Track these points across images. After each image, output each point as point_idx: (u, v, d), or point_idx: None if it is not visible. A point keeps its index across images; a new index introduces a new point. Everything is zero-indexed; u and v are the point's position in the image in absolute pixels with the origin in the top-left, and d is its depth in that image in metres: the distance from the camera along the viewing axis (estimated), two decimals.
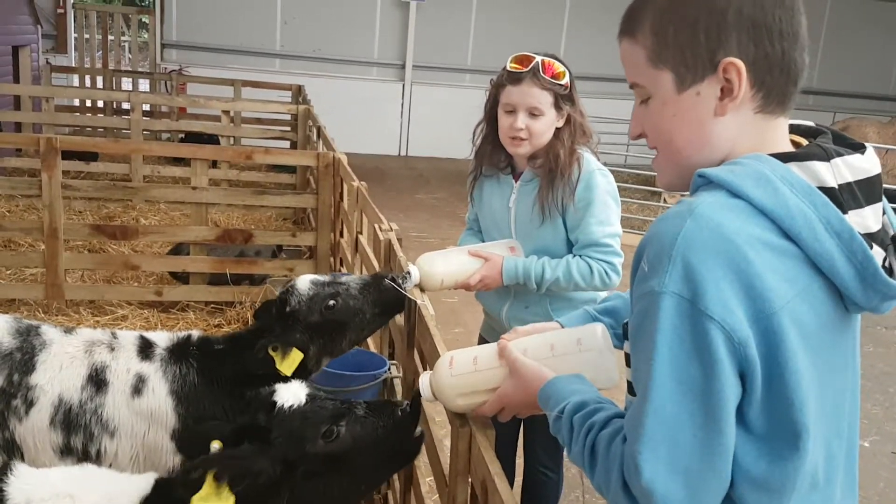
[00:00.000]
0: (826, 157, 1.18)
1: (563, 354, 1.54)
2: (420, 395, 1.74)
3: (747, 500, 1.14)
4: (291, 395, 1.84)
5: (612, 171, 2.74)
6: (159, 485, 1.81)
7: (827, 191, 1.15)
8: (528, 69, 2.51)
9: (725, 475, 1.11)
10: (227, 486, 1.65)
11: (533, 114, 2.54)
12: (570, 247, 2.68)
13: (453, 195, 11.72)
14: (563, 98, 2.56)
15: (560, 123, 2.60)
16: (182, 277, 5.95)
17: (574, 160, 2.58)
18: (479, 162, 2.78)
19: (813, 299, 1.12)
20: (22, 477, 1.77)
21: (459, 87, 15.34)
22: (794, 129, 1.30)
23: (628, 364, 1.28)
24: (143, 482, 1.82)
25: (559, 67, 2.53)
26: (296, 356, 2.49)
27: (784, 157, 1.18)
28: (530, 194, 2.66)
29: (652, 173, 11.60)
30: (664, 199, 10.54)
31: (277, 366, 2.45)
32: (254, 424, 1.80)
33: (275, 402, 1.81)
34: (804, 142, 1.29)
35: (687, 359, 1.08)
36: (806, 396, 1.10)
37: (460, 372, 1.64)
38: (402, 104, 15.68)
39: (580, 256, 2.61)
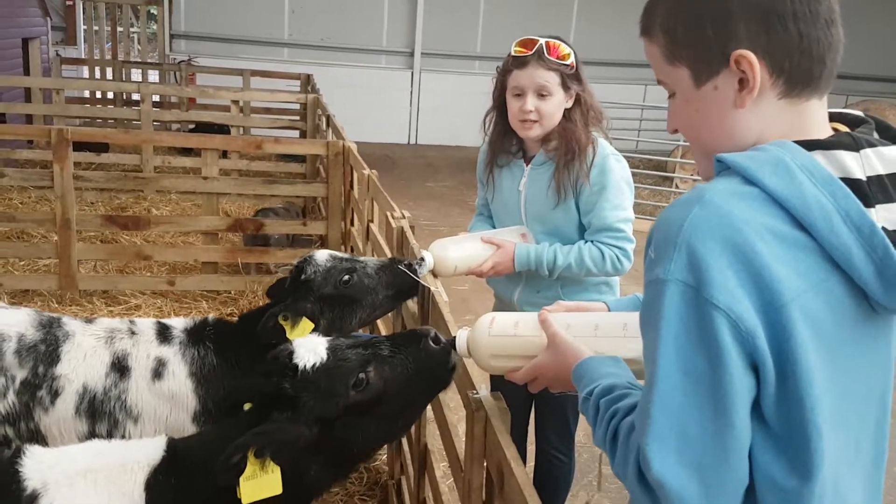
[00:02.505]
0: (855, 146, 1.13)
1: (607, 336, 1.51)
2: (454, 347, 1.73)
3: (768, 501, 1.10)
4: (311, 352, 1.77)
5: (624, 157, 2.73)
6: (170, 449, 1.80)
7: (853, 182, 1.10)
8: (532, 52, 2.53)
9: (741, 472, 1.08)
10: (270, 459, 1.63)
11: (542, 95, 2.55)
12: (581, 231, 2.68)
13: (463, 183, 11.70)
14: (570, 77, 2.57)
15: (569, 104, 2.60)
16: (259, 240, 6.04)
17: (590, 141, 2.59)
18: (492, 150, 2.78)
19: (828, 295, 1.08)
20: (36, 458, 1.77)
21: (469, 74, 15.29)
22: (840, 118, 1.26)
23: None
24: (154, 449, 1.80)
25: (564, 48, 2.55)
26: (306, 325, 2.47)
27: (810, 145, 1.14)
28: (542, 177, 2.66)
29: (663, 158, 11.56)
30: (675, 185, 10.49)
31: (288, 335, 2.43)
32: (279, 393, 1.74)
33: (296, 366, 1.75)
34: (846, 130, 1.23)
35: (693, 349, 1.05)
36: (819, 396, 1.06)
37: (499, 333, 1.62)
38: (412, 92, 15.65)
39: (592, 242, 2.61)
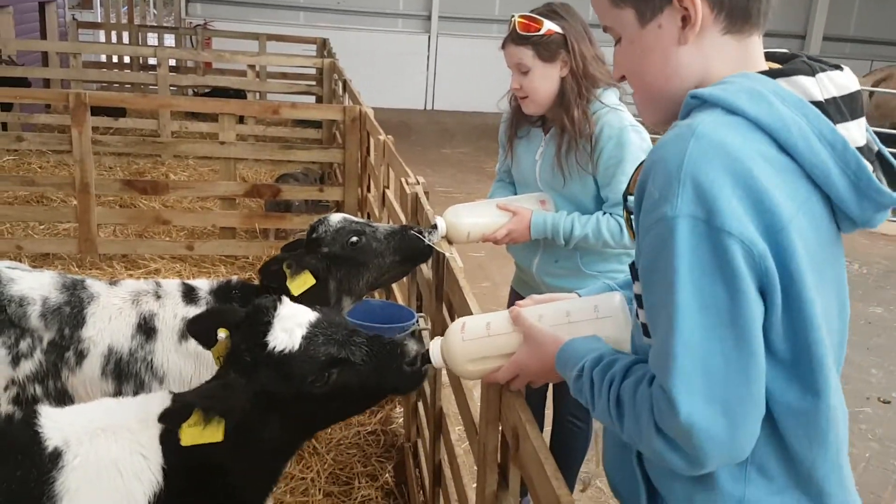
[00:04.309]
0: (811, 72, 1.19)
1: (580, 321, 1.49)
2: (429, 361, 1.70)
3: (789, 427, 1.14)
4: (286, 335, 1.77)
5: (638, 120, 2.69)
6: (175, 402, 1.85)
7: (815, 104, 1.15)
8: (509, 32, 2.58)
9: (761, 400, 1.10)
10: (217, 416, 1.69)
11: (522, 72, 2.58)
12: (599, 202, 2.65)
13: (479, 150, 11.64)
14: (546, 46, 2.53)
15: (563, 72, 2.56)
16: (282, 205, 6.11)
17: (586, 118, 2.55)
18: (514, 119, 2.79)
19: (812, 215, 1.13)
20: (52, 418, 1.82)
21: (487, 38, 15.09)
22: (768, 57, 1.30)
23: (640, 306, 1.26)
24: (161, 404, 1.86)
25: (537, 18, 2.52)
26: (306, 279, 2.52)
27: (772, 74, 1.20)
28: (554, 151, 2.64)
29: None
30: None
31: (287, 282, 2.49)
32: (239, 361, 1.78)
33: (266, 344, 1.75)
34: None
35: (710, 281, 1.06)
36: (819, 314, 1.10)
37: (472, 337, 1.58)
38: (428, 57, 15.51)
39: (610, 214, 2.58)
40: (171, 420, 1.70)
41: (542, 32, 2.51)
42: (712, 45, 1.22)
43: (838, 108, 1.17)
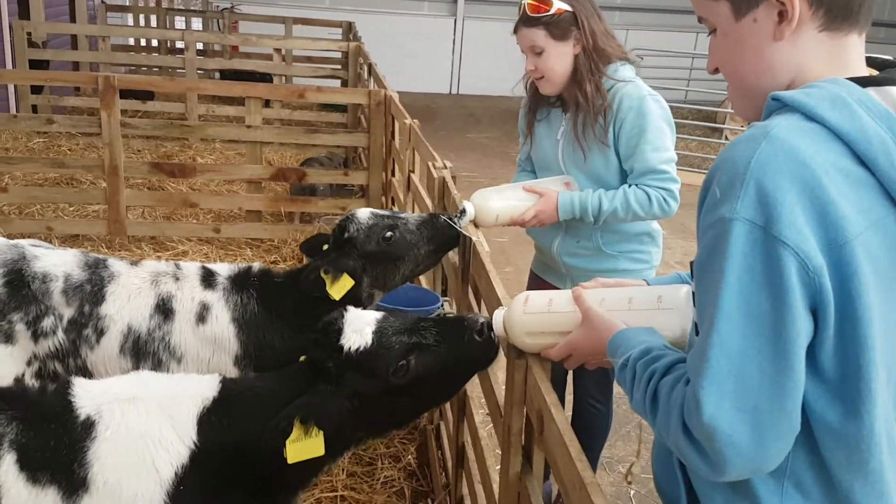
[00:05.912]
0: None
1: (641, 309, 1.49)
2: (492, 329, 1.77)
3: (827, 447, 1.11)
4: (357, 334, 1.85)
5: (672, 108, 2.67)
6: (223, 391, 1.88)
7: None
8: (520, 15, 2.61)
9: (795, 417, 1.07)
10: (315, 426, 1.75)
11: (536, 53, 2.60)
12: (622, 177, 2.65)
13: (505, 134, 11.60)
14: (557, 25, 2.55)
15: (576, 49, 2.58)
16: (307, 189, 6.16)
17: (599, 92, 2.57)
18: (533, 102, 2.80)
19: (886, 233, 1.08)
20: (84, 388, 1.85)
21: (513, 21, 14.96)
22: (868, 63, 1.24)
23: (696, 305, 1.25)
24: (207, 387, 1.87)
25: (546, 0, 2.55)
26: (346, 282, 2.53)
27: (862, 82, 1.14)
28: None
29: (712, 109, 11.28)
30: (725, 137, 10.25)
31: (327, 289, 2.50)
32: (324, 369, 1.84)
33: (342, 347, 1.83)
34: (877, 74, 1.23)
35: (757, 289, 1.04)
36: (876, 335, 1.06)
37: (533, 311, 1.62)
38: (454, 40, 15.44)
39: (636, 185, 2.57)
40: (276, 438, 1.74)
41: (552, 12, 2.55)
42: (807, 43, 1.17)
43: None
